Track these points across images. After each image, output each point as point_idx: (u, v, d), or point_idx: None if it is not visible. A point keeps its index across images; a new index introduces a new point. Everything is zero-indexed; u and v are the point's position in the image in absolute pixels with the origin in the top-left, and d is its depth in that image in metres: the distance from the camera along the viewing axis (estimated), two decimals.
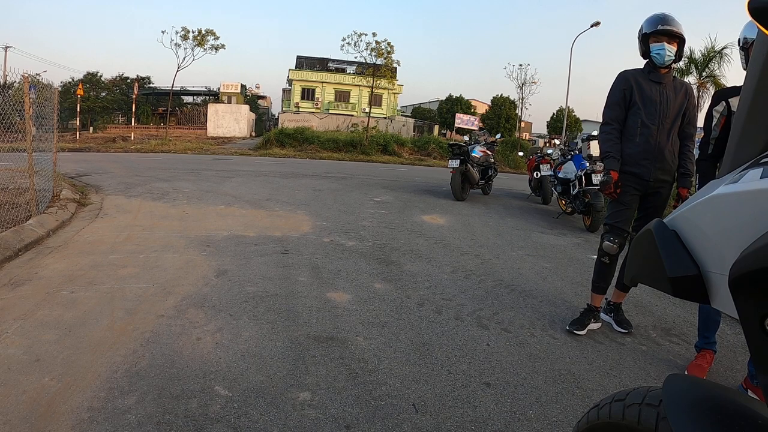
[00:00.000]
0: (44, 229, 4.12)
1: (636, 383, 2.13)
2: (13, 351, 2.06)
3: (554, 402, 1.93)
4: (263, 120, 38.04)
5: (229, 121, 30.13)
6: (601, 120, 2.72)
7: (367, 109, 24.97)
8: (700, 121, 2.63)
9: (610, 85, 2.65)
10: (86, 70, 33.87)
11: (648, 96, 2.52)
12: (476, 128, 29.07)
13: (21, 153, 4.71)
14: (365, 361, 2.16)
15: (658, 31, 2.43)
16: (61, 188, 5.93)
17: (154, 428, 1.60)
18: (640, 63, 2.63)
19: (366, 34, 18.85)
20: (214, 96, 34.88)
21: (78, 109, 20.66)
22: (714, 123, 2.29)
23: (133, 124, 24.99)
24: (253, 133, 31.65)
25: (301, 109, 32.70)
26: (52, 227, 4.29)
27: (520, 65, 27.61)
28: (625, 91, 2.57)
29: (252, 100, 37.94)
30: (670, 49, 2.45)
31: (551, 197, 7.99)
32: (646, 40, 2.49)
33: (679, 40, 2.46)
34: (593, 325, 2.69)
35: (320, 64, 36.31)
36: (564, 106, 25.14)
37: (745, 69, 2.04)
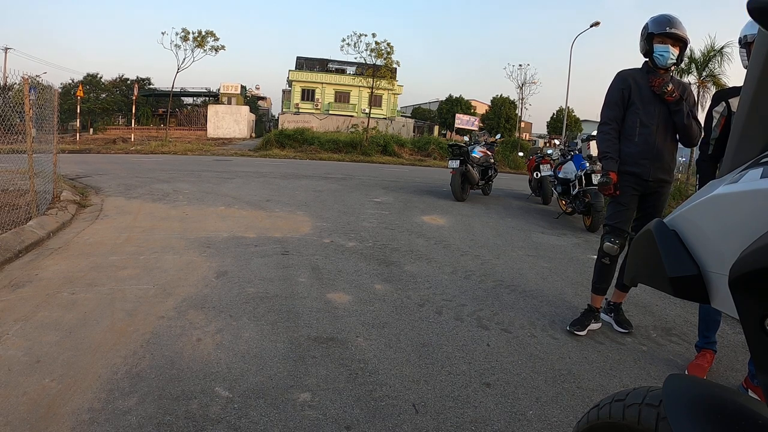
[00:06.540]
0: (44, 231, 4.12)
1: (636, 383, 2.13)
2: (14, 352, 2.06)
3: (554, 402, 1.93)
4: (263, 121, 38.08)
5: (229, 122, 30.15)
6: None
7: (367, 110, 24.96)
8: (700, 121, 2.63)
9: (609, 85, 2.65)
10: (86, 72, 33.91)
11: (647, 95, 2.53)
12: (476, 128, 29.11)
13: (21, 155, 4.72)
14: (365, 361, 2.16)
15: (665, 34, 2.43)
16: (61, 190, 5.94)
17: (155, 429, 1.60)
18: (641, 63, 2.63)
19: (366, 35, 19.00)
20: (214, 97, 34.87)
21: (78, 111, 20.64)
22: (714, 124, 2.29)
23: (133, 125, 24.99)
24: (253, 134, 31.67)
25: (301, 110, 32.67)
26: (53, 229, 4.29)
27: (520, 65, 27.74)
28: (624, 91, 2.57)
29: (252, 101, 37.95)
30: (674, 52, 2.45)
31: (551, 197, 7.99)
32: (650, 39, 2.49)
33: (682, 44, 2.47)
34: (593, 326, 2.69)
35: (320, 65, 36.28)
36: (564, 106, 25.16)
37: (745, 67, 2.04)
